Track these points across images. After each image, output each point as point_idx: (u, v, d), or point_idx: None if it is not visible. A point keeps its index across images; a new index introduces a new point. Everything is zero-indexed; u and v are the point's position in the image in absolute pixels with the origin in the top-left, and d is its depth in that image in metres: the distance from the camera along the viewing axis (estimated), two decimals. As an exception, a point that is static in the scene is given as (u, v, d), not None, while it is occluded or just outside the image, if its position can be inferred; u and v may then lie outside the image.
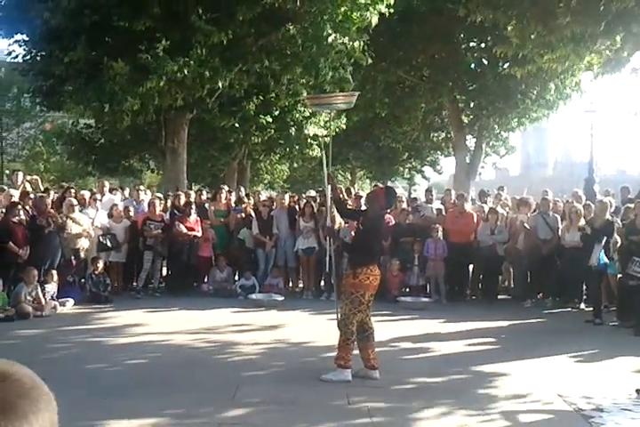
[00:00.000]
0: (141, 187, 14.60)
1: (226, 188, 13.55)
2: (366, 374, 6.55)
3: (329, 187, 7.30)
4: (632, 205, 10.97)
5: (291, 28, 13.57)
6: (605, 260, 10.13)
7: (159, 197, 12.87)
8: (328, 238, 7.23)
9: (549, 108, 19.75)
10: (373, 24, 13.92)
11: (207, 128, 17.17)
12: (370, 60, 14.81)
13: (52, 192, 12.43)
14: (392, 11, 14.01)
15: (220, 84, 13.21)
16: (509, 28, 10.85)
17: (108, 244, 11.42)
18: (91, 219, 11.45)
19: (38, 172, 26.11)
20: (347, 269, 7.13)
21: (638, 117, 11.33)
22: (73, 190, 12.32)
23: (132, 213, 12.06)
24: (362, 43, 14.19)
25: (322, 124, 18.52)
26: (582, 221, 10.96)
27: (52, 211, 10.85)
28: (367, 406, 5.61)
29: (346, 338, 6.48)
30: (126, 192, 13.42)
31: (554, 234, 11.45)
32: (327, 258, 7.46)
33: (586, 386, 6.31)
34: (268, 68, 13.97)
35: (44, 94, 14.91)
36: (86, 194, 12.49)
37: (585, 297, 11.39)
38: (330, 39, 13.43)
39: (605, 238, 10.02)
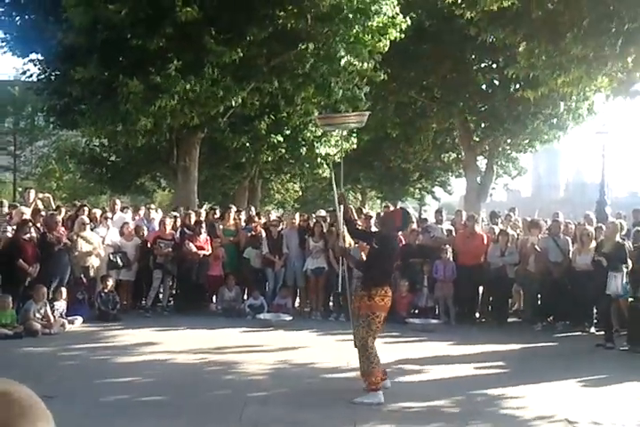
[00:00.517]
0: (152, 205, 14.67)
1: (234, 207, 13.59)
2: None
3: (340, 207, 7.29)
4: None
5: (303, 48, 13.68)
6: (626, 290, 9.96)
7: (175, 215, 12.88)
8: (341, 258, 7.18)
9: (560, 129, 19.74)
10: (385, 49, 14.04)
11: (218, 147, 17.27)
12: (384, 77, 14.90)
13: (63, 210, 12.50)
14: (404, 36, 14.12)
15: (233, 103, 13.30)
16: (519, 49, 10.88)
17: (119, 262, 11.44)
18: (101, 237, 11.49)
19: (51, 190, 26.31)
20: (358, 289, 7.07)
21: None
22: (86, 208, 12.39)
23: (145, 233, 12.08)
24: (374, 64, 14.28)
25: (333, 143, 18.60)
26: (593, 244, 10.91)
27: (61, 229, 10.90)
28: (374, 429, 5.56)
29: (369, 362, 6.43)
30: (142, 212, 13.43)
31: (565, 257, 11.38)
32: (339, 278, 7.40)
33: (595, 412, 6.22)
34: (279, 87, 14.07)
35: (58, 113, 15.08)
36: (98, 212, 12.56)
37: (595, 321, 11.29)
38: (343, 61, 13.54)
39: (624, 266, 9.87)
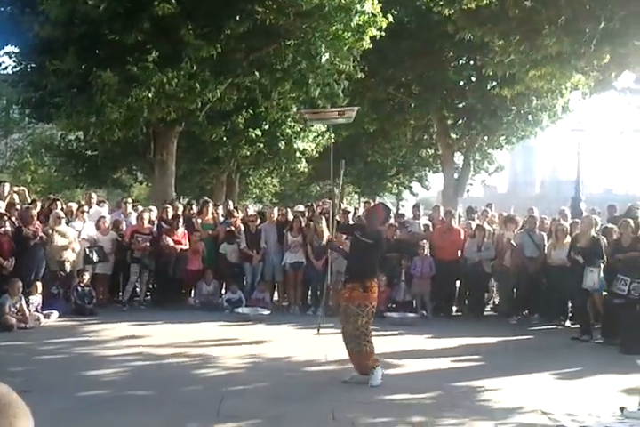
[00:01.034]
0: (129, 200, 14.56)
1: (212, 202, 13.56)
2: (362, 380, 6.85)
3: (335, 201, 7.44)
4: (611, 225, 11.03)
5: (282, 43, 13.65)
6: (603, 285, 10.08)
7: (150, 209, 12.81)
8: (329, 252, 7.30)
9: (536, 125, 19.91)
10: (365, 48, 14.05)
11: (196, 141, 17.18)
12: (361, 74, 14.91)
13: (38, 204, 12.37)
14: (383, 34, 14.12)
15: (211, 97, 13.23)
16: (496, 46, 10.96)
17: (95, 257, 11.35)
18: (77, 231, 11.39)
19: (26, 183, 25.97)
20: (345, 282, 7.22)
21: (625, 136, 11.45)
22: (59, 202, 12.27)
23: (123, 227, 12.00)
24: (352, 61, 14.28)
25: (311, 138, 18.58)
26: (568, 239, 11.05)
27: (37, 223, 10.80)
28: (352, 421, 5.59)
29: (370, 344, 6.86)
30: (129, 206, 13.31)
31: (540, 252, 11.51)
32: (329, 273, 7.45)
33: (570, 403, 6.31)
34: (257, 82, 14.02)
35: (34, 106, 14.88)
36: (74, 206, 12.45)
37: (570, 314, 11.43)
38: (324, 59, 13.53)
39: (600, 261, 9.99)
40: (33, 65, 14.37)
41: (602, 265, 9.96)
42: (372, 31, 13.93)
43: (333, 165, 8.23)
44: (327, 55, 13.60)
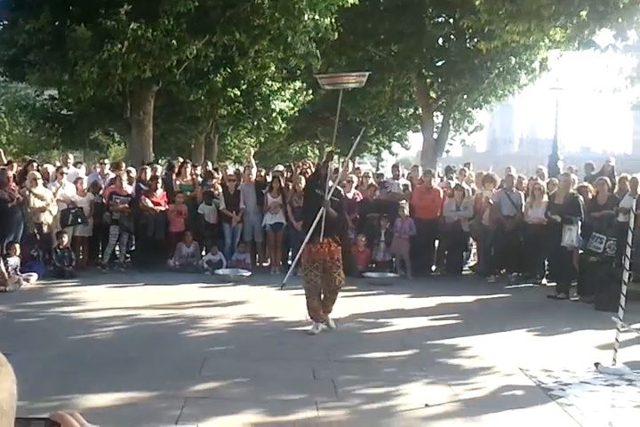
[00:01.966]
0: (106, 160, 14.41)
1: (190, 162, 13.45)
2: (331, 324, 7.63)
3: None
4: (587, 184, 11.13)
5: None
6: (581, 240, 10.19)
7: (129, 170, 12.68)
8: (322, 210, 7.37)
9: (514, 83, 19.82)
10: (347, 4, 13.78)
11: (174, 101, 16.93)
12: (336, 36, 14.68)
13: (14, 165, 12.21)
14: None
15: (188, 54, 13.00)
16: (477, 3, 10.84)
17: (73, 218, 11.25)
18: (54, 193, 11.25)
19: (1, 144, 25.60)
20: (319, 238, 7.39)
21: (603, 95, 11.45)
22: (35, 164, 12.11)
23: (102, 188, 11.88)
24: (332, 20, 14.04)
25: (288, 96, 18.41)
26: (545, 198, 11.14)
27: (13, 185, 10.67)
28: (332, 379, 5.67)
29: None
30: (106, 167, 13.20)
31: (517, 210, 11.60)
32: (322, 230, 7.49)
33: (546, 360, 6.45)
34: (235, 39, 13.78)
35: (7, 64, 14.54)
36: (50, 168, 12.29)
37: (547, 273, 11.60)
38: (306, 16, 13.28)
39: (578, 219, 10.08)
40: (5, 22, 14.00)
41: (579, 223, 10.06)
42: None
43: (327, 120, 8.39)
44: (308, 11, 13.34)
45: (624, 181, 10.74)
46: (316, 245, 7.38)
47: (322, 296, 7.57)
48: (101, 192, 11.87)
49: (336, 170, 7.93)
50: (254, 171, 12.69)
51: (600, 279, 9.28)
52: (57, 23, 12.41)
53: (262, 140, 31.43)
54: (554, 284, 10.67)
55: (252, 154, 14.09)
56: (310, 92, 18.82)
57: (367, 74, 8.05)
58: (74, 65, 12.10)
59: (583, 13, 9.58)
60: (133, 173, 12.51)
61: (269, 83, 17.38)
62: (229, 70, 15.84)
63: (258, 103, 17.77)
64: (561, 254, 10.28)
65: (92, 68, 12.00)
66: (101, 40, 11.76)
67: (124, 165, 13.62)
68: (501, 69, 19.08)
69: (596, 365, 6.13)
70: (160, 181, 12.07)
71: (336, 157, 38.25)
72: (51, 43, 12.64)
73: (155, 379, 5.55)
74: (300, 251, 7.53)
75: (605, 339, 6.83)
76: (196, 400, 5.08)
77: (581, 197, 10.45)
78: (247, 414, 4.86)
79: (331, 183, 7.61)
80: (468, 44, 18.43)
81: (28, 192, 10.74)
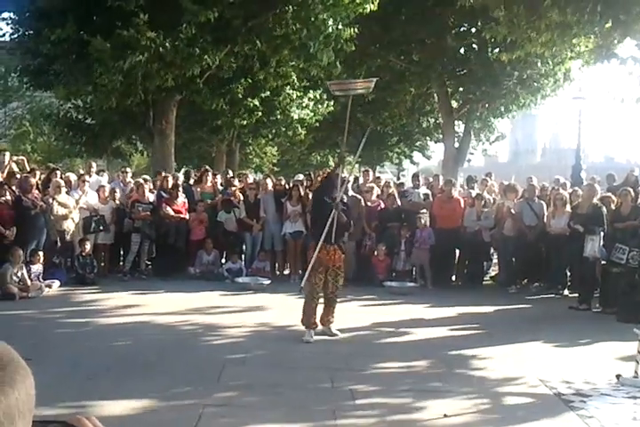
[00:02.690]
0: (128, 169, 14.54)
1: (211, 170, 13.55)
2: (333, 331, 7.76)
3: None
4: (610, 194, 11.02)
5: (280, 10, 13.46)
6: (604, 252, 10.09)
7: (145, 179, 12.78)
8: (334, 213, 7.48)
9: (537, 92, 19.75)
10: (368, 10, 13.81)
11: (196, 110, 17.05)
12: (353, 47, 14.71)
13: (37, 173, 12.35)
14: None
15: (210, 63, 13.12)
16: (499, 14, 10.81)
17: (95, 226, 11.34)
18: (76, 201, 11.36)
19: (25, 152, 25.89)
20: (327, 244, 7.55)
21: (626, 105, 11.37)
22: (59, 172, 12.25)
23: (117, 195, 11.94)
24: (354, 29, 14.06)
25: (309, 106, 18.46)
26: (568, 208, 11.07)
27: (36, 193, 10.79)
28: (350, 388, 5.66)
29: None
30: (127, 175, 13.33)
31: (539, 220, 11.52)
32: (334, 236, 7.63)
33: (567, 371, 6.38)
34: (256, 49, 13.88)
35: (32, 74, 14.75)
36: (72, 176, 12.41)
37: (569, 283, 11.50)
38: (330, 28, 13.34)
39: (601, 229, 9.98)
40: (31, 32, 14.21)
41: (602, 233, 9.96)
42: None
43: (348, 130, 8.42)
44: (331, 22, 13.40)
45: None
46: (321, 251, 7.51)
47: (320, 304, 7.71)
48: (118, 197, 11.92)
49: (342, 178, 7.96)
50: (269, 180, 12.77)
51: (622, 291, 9.18)
52: (82, 32, 12.56)
53: (283, 148, 31.55)
54: (576, 295, 10.56)
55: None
56: (332, 102, 18.86)
57: (375, 80, 8.23)
58: (98, 76, 12.24)
59: (607, 25, 9.53)
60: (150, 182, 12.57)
61: (290, 91, 17.45)
62: (250, 80, 15.94)
63: (278, 112, 17.84)
64: (583, 265, 10.19)
65: (114, 77, 12.14)
66: (121, 50, 11.89)
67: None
68: (524, 77, 19.02)
69: (618, 377, 6.05)
70: (181, 189, 12.16)
71: (357, 165, 38.36)
72: (75, 53, 12.81)
73: (173, 386, 5.57)
74: (315, 256, 7.55)
75: (627, 351, 6.75)
76: (214, 408, 5.09)
77: (604, 208, 10.36)
78: (265, 422, 4.86)
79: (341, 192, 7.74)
80: (489, 54, 18.39)
81: (51, 200, 10.86)
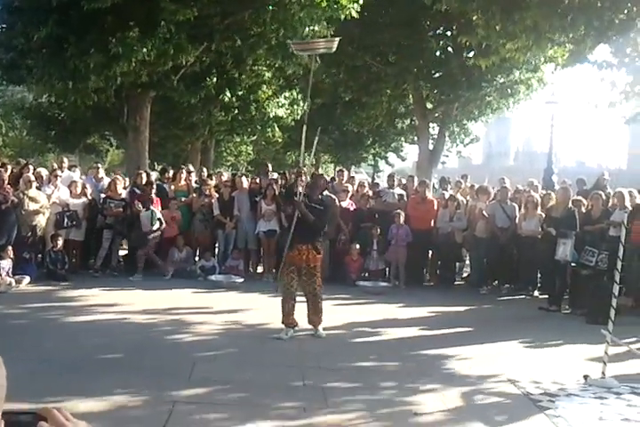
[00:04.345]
0: (99, 164, 14.41)
1: (191, 167, 13.46)
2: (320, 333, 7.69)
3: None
4: (580, 198, 11.14)
5: (257, 9, 13.43)
6: (575, 256, 10.19)
7: (121, 176, 12.69)
8: (297, 212, 7.47)
9: (511, 97, 19.95)
10: (352, 16, 13.79)
11: (170, 107, 16.98)
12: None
13: (9, 167, 12.20)
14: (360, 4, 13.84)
15: (184, 61, 13.07)
16: (474, 18, 10.90)
17: (67, 221, 11.23)
18: (48, 195, 11.23)
19: (-4, 146, 25.58)
20: (298, 244, 7.52)
21: (598, 110, 11.52)
22: (31, 167, 12.11)
23: (88, 192, 11.81)
24: (331, 32, 14.05)
25: (285, 104, 18.46)
26: (539, 211, 11.19)
27: (8, 187, 10.66)
28: (322, 386, 5.67)
29: (322, 306, 7.71)
30: (100, 171, 13.18)
31: (511, 222, 11.63)
32: (298, 235, 7.62)
33: (536, 371, 6.46)
34: (232, 47, 13.85)
35: (5, 68, 14.54)
36: (43, 171, 12.26)
37: (539, 285, 11.62)
38: (306, 29, 13.33)
39: (573, 233, 10.09)
40: (3, 26, 14.02)
41: (574, 237, 10.08)
42: (350, 4, 13.69)
43: (307, 132, 8.31)
44: (307, 22, 13.39)
45: (620, 196, 10.73)
46: (293, 251, 7.50)
47: (296, 302, 7.66)
48: (89, 192, 11.80)
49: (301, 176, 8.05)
50: (244, 179, 12.73)
51: (591, 293, 9.30)
52: (57, 30, 12.42)
53: (258, 148, 31.47)
54: (546, 296, 10.68)
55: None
56: (307, 103, 18.88)
57: (337, 39, 8.26)
58: (81, 77, 12.10)
59: (580, 29, 9.66)
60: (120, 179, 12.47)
61: (265, 88, 17.44)
62: (224, 76, 15.90)
63: (253, 108, 17.82)
64: (553, 267, 10.31)
65: (99, 78, 12.06)
66: (110, 60, 11.82)
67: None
68: (500, 84, 19.20)
69: (585, 377, 6.14)
70: (154, 186, 12.08)
71: (331, 165, 38.25)
72: (48, 47, 12.65)
73: (143, 383, 5.54)
74: (284, 255, 7.61)
75: (595, 352, 6.84)
76: (184, 405, 5.07)
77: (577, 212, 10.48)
78: (236, 419, 4.86)
79: (300, 189, 7.81)
80: (465, 58, 18.53)
81: (22, 195, 10.73)
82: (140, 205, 11.58)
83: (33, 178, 11.09)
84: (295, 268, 7.52)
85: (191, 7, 12.25)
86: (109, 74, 11.96)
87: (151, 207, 11.55)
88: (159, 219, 11.49)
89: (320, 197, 7.81)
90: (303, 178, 8.12)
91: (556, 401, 5.54)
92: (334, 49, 8.25)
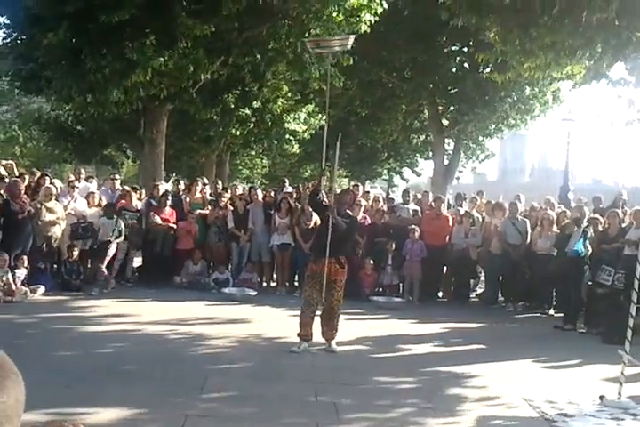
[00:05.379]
0: (117, 176, 14.49)
1: (205, 180, 13.50)
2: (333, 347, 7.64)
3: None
4: (597, 216, 11.05)
5: (275, 23, 13.52)
6: (582, 249, 10.13)
7: (134, 188, 12.75)
8: (331, 219, 7.40)
9: (527, 114, 19.92)
10: (362, 30, 13.85)
11: (187, 120, 17.08)
12: (352, 61, 14.78)
13: (26, 177, 12.28)
14: (377, 19, 13.91)
15: (202, 77, 13.15)
16: (491, 35, 10.90)
17: (82, 232, 11.27)
18: (64, 206, 11.29)
19: (14, 157, 25.75)
20: (322, 258, 7.40)
21: (615, 128, 11.46)
22: (48, 177, 12.19)
23: (103, 202, 11.86)
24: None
25: (301, 119, 18.49)
26: (555, 228, 11.12)
27: (24, 197, 10.73)
28: (334, 402, 5.63)
29: (338, 320, 7.68)
30: (116, 182, 13.25)
31: (523, 239, 11.56)
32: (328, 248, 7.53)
33: (551, 391, 6.38)
34: (250, 61, 13.94)
35: (24, 78, 14.72)
36: (57, 183, 12.30)
37: (555, 303, 11.52)
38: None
39: (586, 225, 10.09)
40: (23, 37, 14.19)
41: (588, 231, 10.06)
42: (367, 17, 13.77)
43: (327, 142, 8.35)
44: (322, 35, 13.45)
45: (637, 214, 10.63)
46: (317, 263, 7.44)
47: (315, 315, 7.61)
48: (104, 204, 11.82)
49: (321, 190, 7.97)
50: (259, 192, 12.76)
51: (607, 312, 9.21)
52: (74, 41, 12.55)
53: (273, 161, 31.53)
54: (561, 315, 10.59)
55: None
56: (324, 117, 18.94)
57: (352, 37, 8.18)
58: (101, 89, 12.20)
59: (598, 47, 9.64)
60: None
61: (283, 101, 17.50)
62: (241, 89, 15.98)
63: (269, 122, 17.87)
64: (569, 285, 10.23)
65: (119, 90, 12.16)
66: (125, 67, 11.92)
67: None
68: (515, 99, 19.19)
69: (601, 398, 6.06)
70: (169, 198, 12.13)
71: (345, 180, 38.27)
72: (67, 58, 12.78)
73: (155, 396, 5.52)
74: (308, 268, 7.60)
75: (611, 372, 6.76)
76: (196, 418, 5.04)
77: (590, 230, 10.37)
78: (247, 434, 4.83)
79: (326, 199, 7.78)
80: (481, 74, 18.53)
81: (39, 205, 10.79)
82: (156, 217, 11.63)
83: (53, 190, 11.13)
84: (318, 280, 7.43)
85: (208, 22, 12.35)
86: (127, 84, 12.04)
87: (114, 216, 11.24)
88: (120, 230, 11.19)
89: (347, 211, 7.85)
90: (323, 183, 8.08)
91: (572, 422, 5.47)
92: (349, 47, 8.20)
